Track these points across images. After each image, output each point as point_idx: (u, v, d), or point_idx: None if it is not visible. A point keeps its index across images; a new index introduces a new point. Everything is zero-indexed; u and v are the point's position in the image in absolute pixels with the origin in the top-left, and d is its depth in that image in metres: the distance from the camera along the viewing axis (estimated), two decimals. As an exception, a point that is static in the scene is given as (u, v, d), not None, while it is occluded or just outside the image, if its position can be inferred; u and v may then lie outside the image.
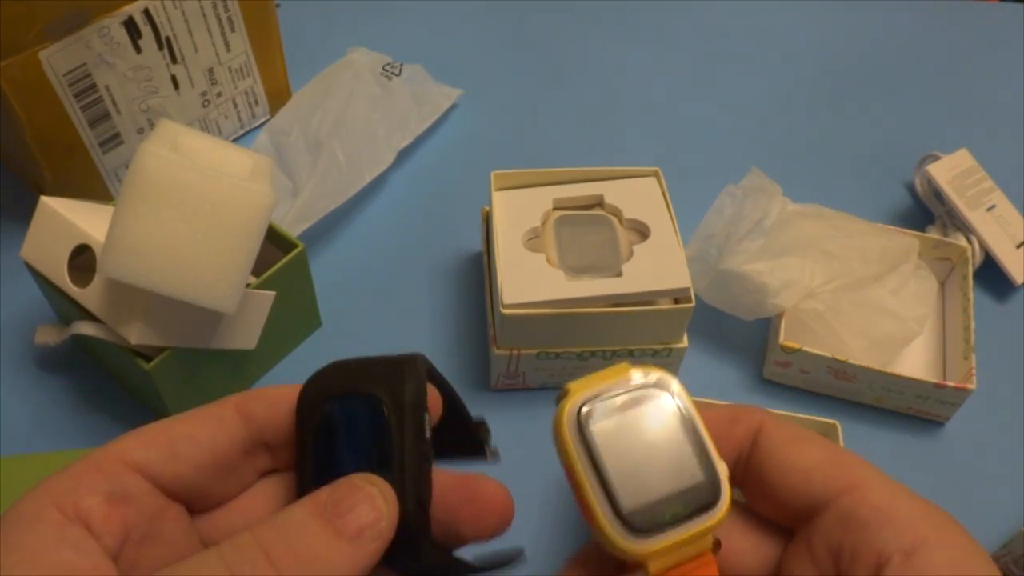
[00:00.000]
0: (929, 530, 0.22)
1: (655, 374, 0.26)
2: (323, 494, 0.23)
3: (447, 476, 0.26)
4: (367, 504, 0.23)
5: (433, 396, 0.26)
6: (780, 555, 0.26)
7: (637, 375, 0.26)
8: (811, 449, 0.25)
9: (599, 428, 0.25)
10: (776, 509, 0.26)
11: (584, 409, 0.25)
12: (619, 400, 0.25)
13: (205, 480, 0.25)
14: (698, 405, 0.26)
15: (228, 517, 0.26)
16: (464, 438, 0.30)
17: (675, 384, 0.26)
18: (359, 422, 0.25)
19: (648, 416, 0.25)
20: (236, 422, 0.26)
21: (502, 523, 0.26)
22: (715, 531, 0.25)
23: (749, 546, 0.27)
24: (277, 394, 0.26)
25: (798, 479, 0.25)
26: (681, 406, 0.25)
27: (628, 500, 0.24)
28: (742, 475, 0.26)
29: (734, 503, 0.27)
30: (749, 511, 0.27)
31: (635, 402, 0.25)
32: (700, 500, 0.25)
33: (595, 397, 0.25)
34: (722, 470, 0.25)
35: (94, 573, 0.21)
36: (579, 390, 0.25)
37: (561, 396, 0.26)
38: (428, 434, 0.25)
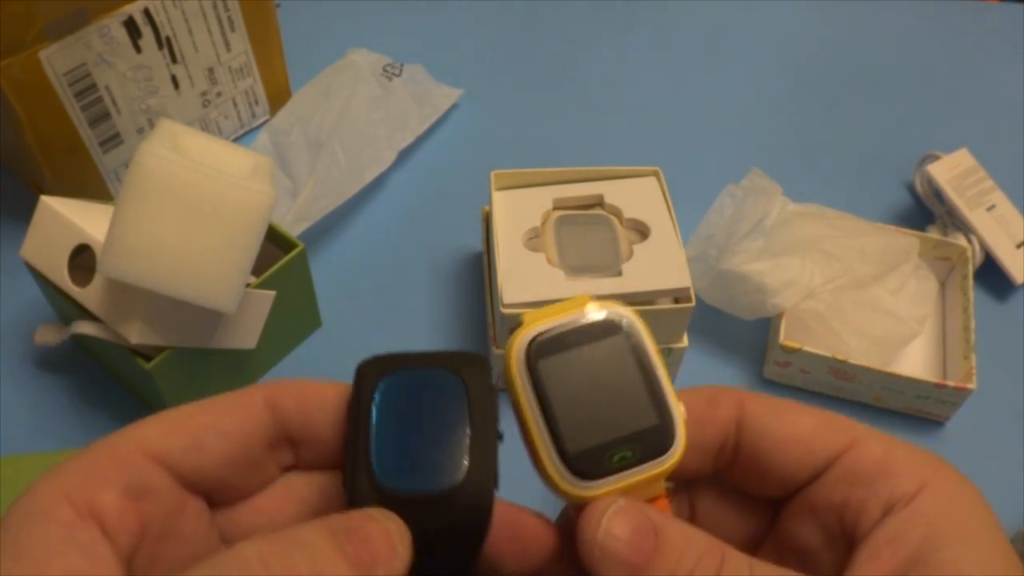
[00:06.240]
0: (929, 474, 0.23)
1: (613, 309, 0.25)
2: (336, 519, 0.21)
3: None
4: (383, 538, 0.21)
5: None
6: (766, 528, 0.26)
7: (593, 309, 0.24)
8: (802, 417, 0.25)
9: (549, 364, 0.24)
10: (773, 483, 0.25)
11: (535, 343, 0.24)
12: (573, 335, 0.24)
13: (228, 473, 0.24)
14: (658, 347, 0.25)
15: (250, 515, 0.25)
16: None
17: (632, 321, 0.24)
18: (434, 392, 0.23)
19: (602, 354, 0.24)
20: (263, 413, 0.24)
21: (543, 558, 0.25)
22: (668, 476, 0.24)
23: (735, 522, 0.27)
24: (309, 388, 0.25)
25: (799, 449, 0.24)
26: (637, 345, 0.24)
27: (574, 442, 0.23)
28: (730, 456, 0.26)
29: (713, 484, 0.26)
30: (730, 489, 0.27)
31: (590, 338, 0.24)
32: (652, 445, 0.23)
33: (548, 331, 0.24)
34: (678, 413, 0.24)
35: None
36: (533, 321, 0.24)
37: (515, 326, 0.24)
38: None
